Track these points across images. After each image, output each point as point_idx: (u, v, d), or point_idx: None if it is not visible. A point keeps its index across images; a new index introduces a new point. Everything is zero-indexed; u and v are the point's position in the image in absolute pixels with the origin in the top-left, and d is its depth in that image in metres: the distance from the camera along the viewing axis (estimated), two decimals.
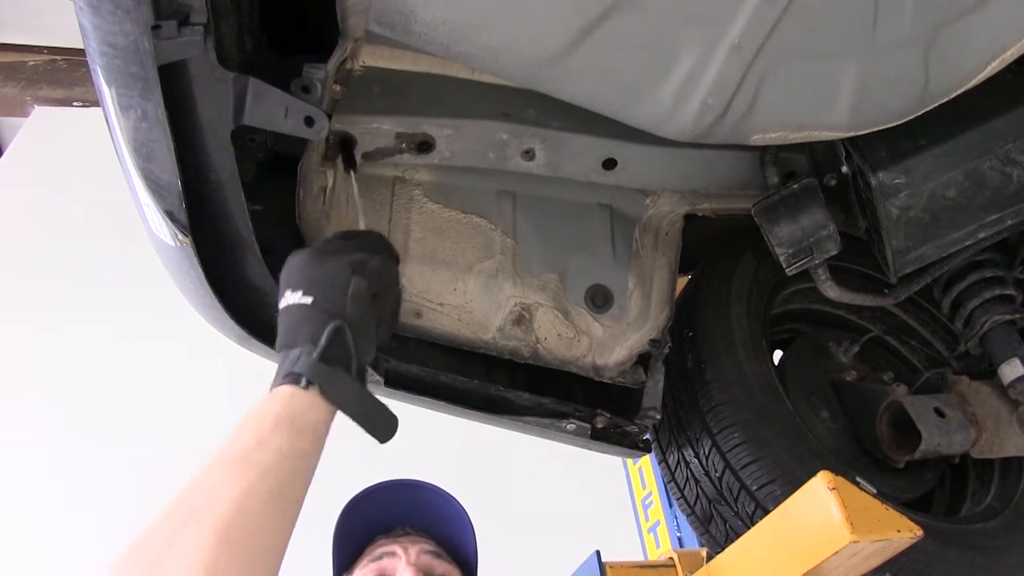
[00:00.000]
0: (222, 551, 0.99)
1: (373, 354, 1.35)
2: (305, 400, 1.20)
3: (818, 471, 1.55)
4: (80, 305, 5.46)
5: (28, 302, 5.48)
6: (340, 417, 1.25)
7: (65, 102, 6.76)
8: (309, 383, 1.21)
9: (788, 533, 1.59)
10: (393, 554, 1.71)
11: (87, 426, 4.91)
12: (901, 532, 1.51)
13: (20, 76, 6.80)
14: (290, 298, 1.29)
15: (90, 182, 5.45)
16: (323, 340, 1.24)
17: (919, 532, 1.52)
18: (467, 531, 1.82)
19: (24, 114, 6.85)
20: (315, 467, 1.19)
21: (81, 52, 1.21)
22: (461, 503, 1.84)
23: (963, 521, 2.04)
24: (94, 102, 6.62)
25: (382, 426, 1.31)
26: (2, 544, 4.46)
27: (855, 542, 1.45)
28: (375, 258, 1.38)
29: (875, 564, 1.58)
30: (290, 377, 1.21)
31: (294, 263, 1.35)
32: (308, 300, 1.27)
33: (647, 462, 3.66)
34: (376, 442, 1.31)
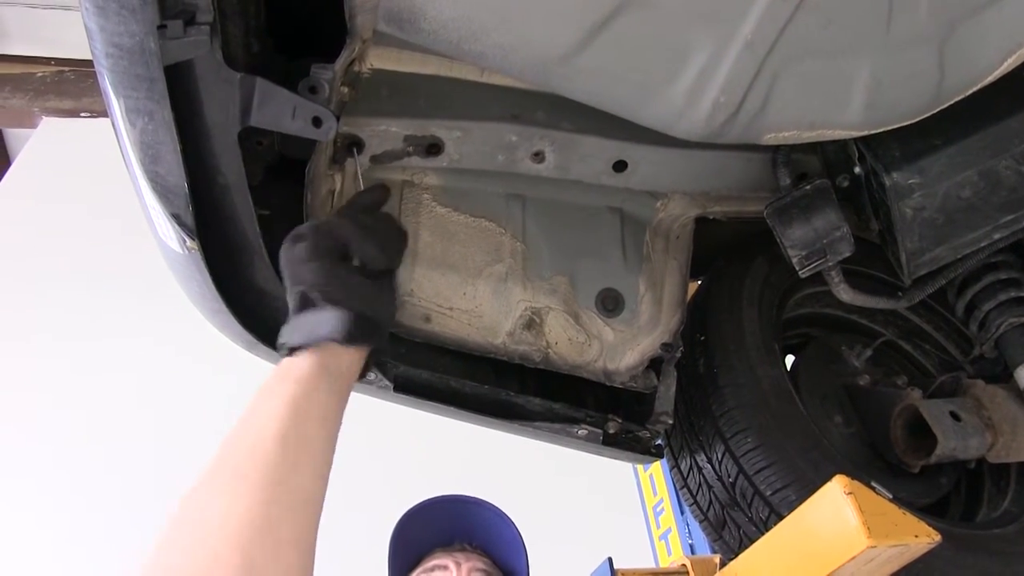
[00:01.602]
0: (281, 452, 1.08)
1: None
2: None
3: (833, 476, 1.53)
4: (87, 313, 5.48)
5: (35, 310, 5.51)
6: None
7: (72, 113, 6.80)
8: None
9: (803, 538, 1.58)
10: (445, 567, 1.75)
11: (91, 430, 4.96)
12: (919, 537, 1.49)
13: (28, 87, 6.85)
14: None
15: (98, 192, 5.49)
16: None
17: (937, 537, 1.50)
18: (522, 556, 1.84)
19: (32, 125, 6.90)
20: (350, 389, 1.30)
21: (88, 63, 1.21)
22: (518, 528, 1.85)
23: (980, 526, 2.01)
24: (102, 112, 6.70)
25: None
26: (5, 545, 4.49)
27: (872, 547, 1.43)
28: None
29: (892, 570, 1.56)
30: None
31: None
32: None
33: (658, 469, 3.65)
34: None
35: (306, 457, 1.13)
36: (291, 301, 1.29)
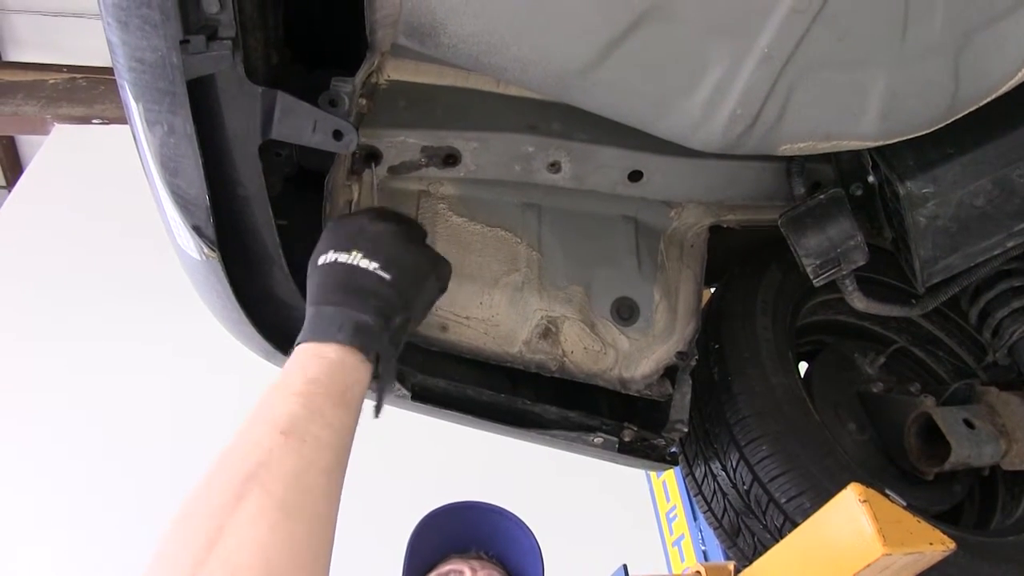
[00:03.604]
0: (285, 526, 0.96)
1: None
2: (358, 373, 1.18)
3: (847, 483, 1.53)
4: (98, 317, 5.51)
5: (46, 314, 5.54)
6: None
7: (84, 120, 6.83)
8: (379, 360, 1.20)
9: (818, 546, 1.58)
10: (461, 573, 1.75)
11: (105, 432, 4.99)
12: (934, 545, 1.49)
13: (40, 95, 6.88)
14: (360, 261, 1.27)
15: (109, 198, 5.53)
16: (396, 322, 1.24)
17: (952, 545, 1.51)
18: (538, 568, 1.83)
19: (44, 132, 6.94)
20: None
21: (100, 70, 1.22)
22: (537, 539, 1.85)
23: (994, 534, 2.01)
24: (113, 119, 6.74)
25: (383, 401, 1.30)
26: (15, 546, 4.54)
27: (887, 555, 1.43)
28: (447, 268, 1.41)
29: None
30: (357, 345, 1.18)
31: (371, 229, 1.33)
32: (388, 276, 1.26)
33: (671, 475, 3.64)
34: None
35: (338, 498, 1.08)
36: (397, 317, 1.26)
